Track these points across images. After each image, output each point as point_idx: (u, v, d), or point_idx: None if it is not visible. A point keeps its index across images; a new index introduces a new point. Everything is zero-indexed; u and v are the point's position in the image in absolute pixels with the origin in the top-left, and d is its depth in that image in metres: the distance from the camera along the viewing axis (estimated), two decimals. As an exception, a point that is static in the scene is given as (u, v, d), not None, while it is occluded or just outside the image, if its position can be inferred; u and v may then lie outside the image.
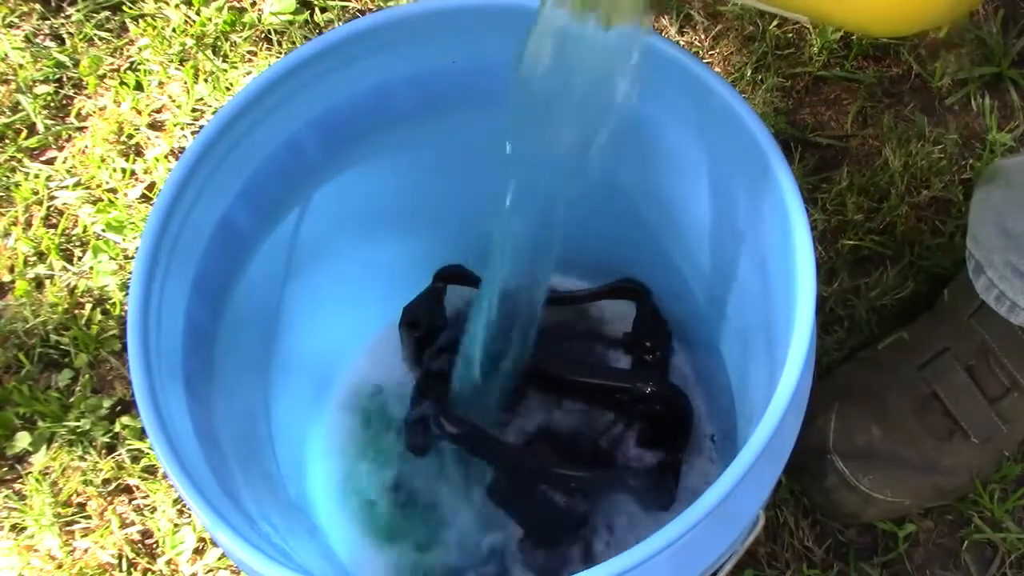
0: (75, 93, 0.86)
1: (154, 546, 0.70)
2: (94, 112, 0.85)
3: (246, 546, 0.41)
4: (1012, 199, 0.64)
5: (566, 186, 0.48)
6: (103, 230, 0.80)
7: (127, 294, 0.47)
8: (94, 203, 0.81)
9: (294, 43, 0.85)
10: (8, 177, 0.83)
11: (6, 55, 0.88)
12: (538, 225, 0.51)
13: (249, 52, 0.86)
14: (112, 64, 0.87)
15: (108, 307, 0.77)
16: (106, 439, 0.73)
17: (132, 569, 0.70)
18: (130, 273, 0.75)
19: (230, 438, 0.52)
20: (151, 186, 0.81)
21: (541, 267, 0.54)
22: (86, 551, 0.70)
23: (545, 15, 0.42)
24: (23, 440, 0.73)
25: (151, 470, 0.72)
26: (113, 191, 0.82)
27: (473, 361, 0.60)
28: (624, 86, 0.44)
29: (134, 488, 0.72)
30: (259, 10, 0.87)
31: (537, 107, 0.46)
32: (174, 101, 0.85)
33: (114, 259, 0.79)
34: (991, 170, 0.68)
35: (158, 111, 0.85)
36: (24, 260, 0.79)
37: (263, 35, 0.86)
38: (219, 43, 0.86)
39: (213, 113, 0.83)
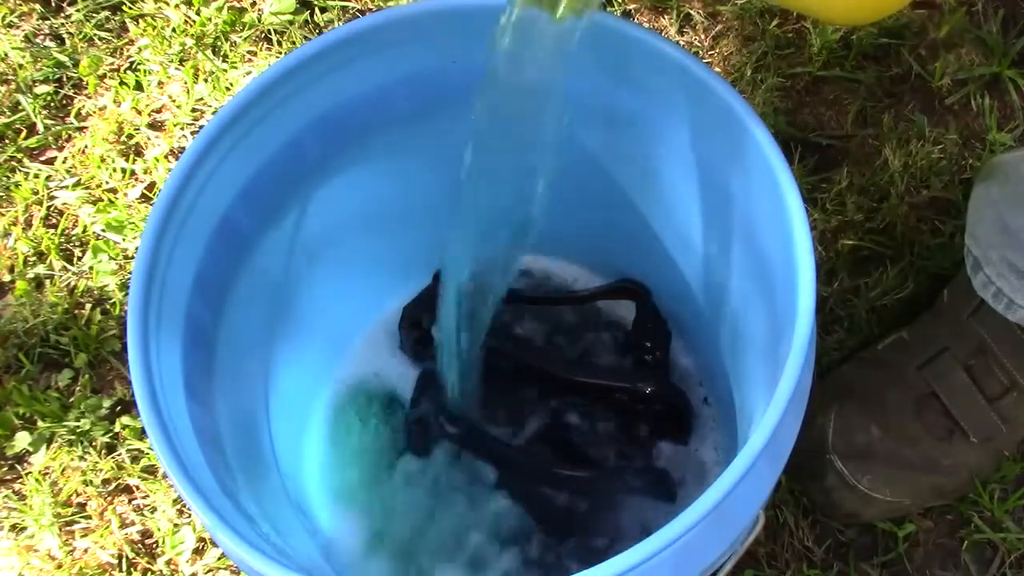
0: (75, 93, 0.86)
1: (154, 546, 0.70)
2: (94, 112, 0.85)
3: (246, 546, 0.41)
4: (1011, 195, 0.64)
5: (534, 171, 0.49)
6: (103, 230, 0.80)
7: (127, 294, 0.47)
8: (94, 203, 0.81)
9: (294, 43, 0.85)
10: (8, 177, 0.83)
11: (6, 55, 0.88)
12: (506, 212, 0.51)
13: (249, 52, 0.86)
14: (112, 64, 0.87)
15: (108, 307, 0.77)
16: (106, 439, 0.73)
17: (132, 569, 0.70)
18: (130, 273, 0.75)
19: (230, 438, 0.52)
20: (151, 186, 0.82)
21: (511, 251, 0.54)
22: (86, 551, 0.70)
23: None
24: (23, 440, 0.73)
25: (151, 470, 0.72)
26: (113, 191, 0.82)
27: (457, 358, 0.60)
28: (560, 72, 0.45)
29: (134, 488, 0.72)
30: (259, 10, 0.87)
31: (502, 95, 0.46)
32: (174, 101, 0.85)
33: (114, 259, 0.79)
34: (990, 166, 0.68)
35: (158, 111, 0.85)
36: (24, 260, 0.79)
37: (263, 35, 0.86)
38: (219, 43, 0.86)
39: (213, 113, 0.83)
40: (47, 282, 0.78)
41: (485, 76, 0.46)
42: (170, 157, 0.82)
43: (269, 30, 0.86)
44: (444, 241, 0.54)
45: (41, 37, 0.89)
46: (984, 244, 0.65)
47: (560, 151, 0.48)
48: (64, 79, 0.87)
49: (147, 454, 0.72)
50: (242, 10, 0.87)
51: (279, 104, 0.51)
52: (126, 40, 0.88)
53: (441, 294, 0.58)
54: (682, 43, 0.83)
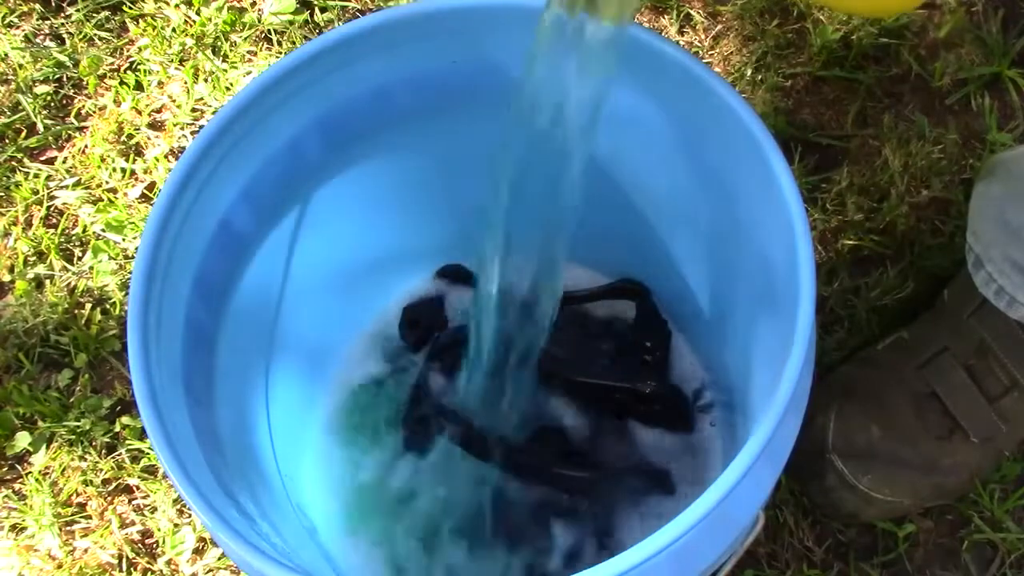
0: (75, 93, 0.86)
1: (154, 546, 0.70)
2: (94, 112, 0.85)
3: (246, 546, 0.41)
4: (1012, 192, 0.64)
5: (562, 182, 0.49)
6: (103, 230, 0.80)
7: (127, 294, 0.47)
8: (94, 203, 0.81)
9: (294, 43, 0.85)
10: (8, 177, 0.83)
11: (6, 55, 0.88)
12: (544, 219, 0.51)
13: (249, 52, 0.86)
14: (112, 64, 0.87)
15: (108, 307, 0.77)
16: (106, 439, 0.73)
17: (132, 569, 0.70)
18: (130, 273, 0.75)
19: (230, 438, 0.52)
20: (151, 186, 0.82)
21: (549, 262, 0.54)
22: (86, 551, 0.70)
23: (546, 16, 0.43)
24: (23, 440, 0.73)
25: (151, 470, 0.72)
26: (113, 191, 0.82)
27: (479, 360, 0.60)
28: (602, 82, 0.44)
29: (134, 488, 0.72)
30: (259, 10, 0.87)
31: (534, 107, 0.46)
32: (174, 101, 0.85)
33: (114, 259, 0.79)
34: (991, 163, 0.68)
35: (158, 111, 0.85)
36: (24, 260, 0.79)
37: (263, 35, 0.86)
38: (219, 43, 0.86)
39: (213, 113, 0.83)
40: (47, 282, 0.78)
41: (520, 85, 0.46)
42: (170, 157, 0.82)
43: (269, 30, 0.86)
44: (480, 247, 0.54)
45: (41, 37, 0.89)
46: (986, 241, 0.65)
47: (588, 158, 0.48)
48: (64, 79, 0.87)
49: (147, 454, 0.72)
50: (242, 10, 0.87)
51: (279, 104, 0.51)
52: (126, 40, 0.88)
53: (476, 299, 0.57)
54: (682, 43, 0.83)
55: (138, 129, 0.84)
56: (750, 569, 0.66)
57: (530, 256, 0.54)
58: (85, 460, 0.72)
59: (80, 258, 0.80)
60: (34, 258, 0.80)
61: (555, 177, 0.49)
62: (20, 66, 0.87)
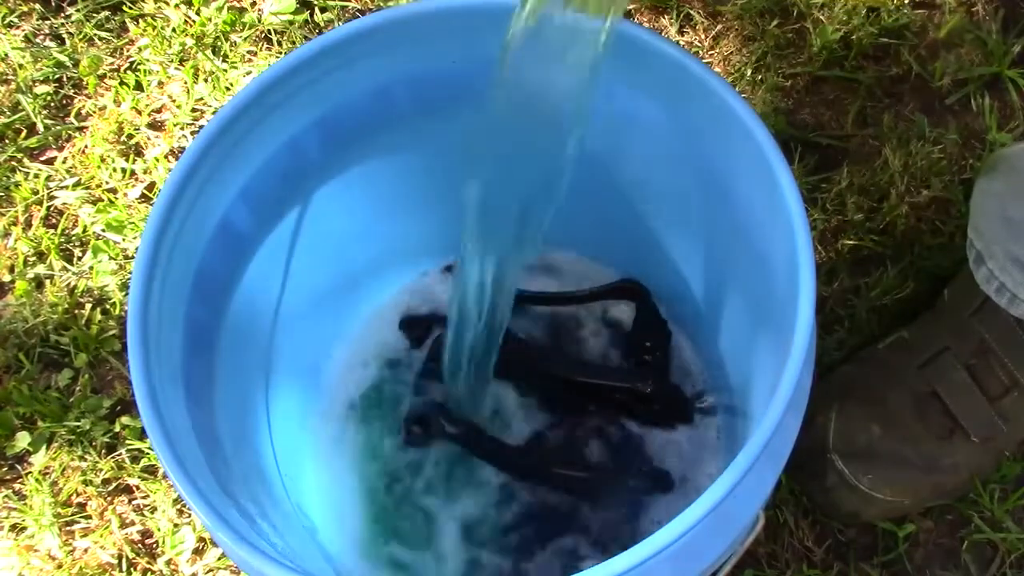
0: (75, 93, 0.86)
1: (154, 546, 0.70)
2: (94, 112, 0.85)
3: (246, 546, 0.41)
4: (1014, 188, 0.64)
5: (545, 176, 0.49)
6: (103, 230, 0.80)
7: (127, 294, 0.47)
8: (94, 203, 0.81)
9: (294, 43, 0.85)
10: (8, 177, 0.83)
11: (6, 55, 0.88)
12: (517, 215, 0.51)
13: (249, 52, 0.86)
14: (112, 64, 0.87)
15: (108, 307, 0.77)
16: (106, 439, 0.73)
17: (132, 569, 0.70)
18: (130, 273, 0.75)
19: (230, 438, 0.52)
20: (151, 186, 0.82)
21: (516, 256, 0.54)
22: (86, 551, 0.70)
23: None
24: (23, 440, 0.73)
25: (151, 470, 0.72)
26: (113, 191, 0.82)
27: (456, 354, 0.60)
28: (587, 73, 0.44)
29: (134, 488, 0.72)
30: (259, 10, 0.87)
31: (517, 98, 0.46)
32: (174, 101, 0.85)
33: (114, 259, 0.79)
34: (993, 159, 0.68)
35: (158, 111, 0.85)
36: (24, 260, 0.79)
37: (263, 35, 0.86)
38: (219, 43, 0.86)
39: (213, 113, 0.83)
40: (47, 282, 0.78)
41: (498, 77, 0.46)
42: (170, 157, 0.82)
43: (269, 30, 0.86)
44: (458, 242, 0.54)
45: (41, 37, 0.89)
46: (987, 238, 0.64)
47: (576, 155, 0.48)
48: (64, 79, 0.87)
49: (147, 454, 0.72)
50: (242, 10, 0.87)
51: (279, 104, 0.51)
52: (126, 40, 0.88)
53: (452, 294, 0.57)
54: (682, 43, 0.83)
55: (138, 129, 0.84)
56: (750, 569, 0.66)
57: (505, 247, 0.54)
58: (85, 460, 0.72)
59: (80, 258, 0.79)
60: (34, 258, 0.80)
61: (534, 174, 0.49)
62: (20, 66, 0.87)
